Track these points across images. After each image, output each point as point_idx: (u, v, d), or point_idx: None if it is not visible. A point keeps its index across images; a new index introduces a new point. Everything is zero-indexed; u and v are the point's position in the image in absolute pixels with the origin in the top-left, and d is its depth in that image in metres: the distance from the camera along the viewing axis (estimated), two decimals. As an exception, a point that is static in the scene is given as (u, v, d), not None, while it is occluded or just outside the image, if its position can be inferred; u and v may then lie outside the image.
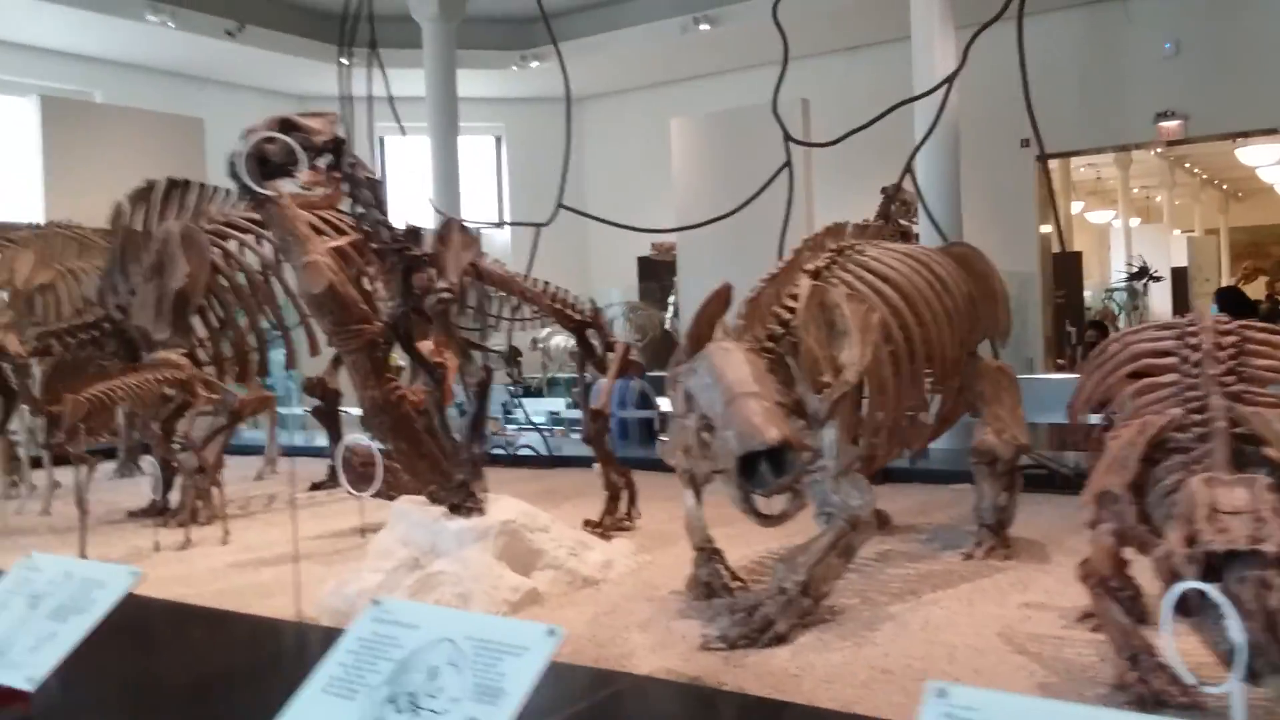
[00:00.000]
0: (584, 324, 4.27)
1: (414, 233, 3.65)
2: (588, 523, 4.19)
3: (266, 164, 3.32)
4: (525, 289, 4.08)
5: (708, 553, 3.52)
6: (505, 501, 3.69)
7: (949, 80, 5.71)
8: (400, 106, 20.34)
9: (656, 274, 19.00)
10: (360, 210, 3.55)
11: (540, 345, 15.98)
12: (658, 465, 6.84)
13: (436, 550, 3.51)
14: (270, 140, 3.29)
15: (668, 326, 17.24)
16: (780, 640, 2.90)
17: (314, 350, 6.04)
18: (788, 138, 6.12)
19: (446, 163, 14.62)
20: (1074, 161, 19.59)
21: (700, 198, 12.50)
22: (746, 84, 18.14)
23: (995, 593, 3.41)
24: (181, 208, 5.60)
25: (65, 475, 6.45)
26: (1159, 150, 20.79)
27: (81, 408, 4.27)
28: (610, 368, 4.25)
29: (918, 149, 5.98)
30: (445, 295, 3.52)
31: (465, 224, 3.65)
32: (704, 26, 16.64)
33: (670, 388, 3.45)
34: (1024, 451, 3.90)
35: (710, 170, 13.12)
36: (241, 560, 4.44)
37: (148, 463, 4.91)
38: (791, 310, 3.28)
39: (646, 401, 8.78)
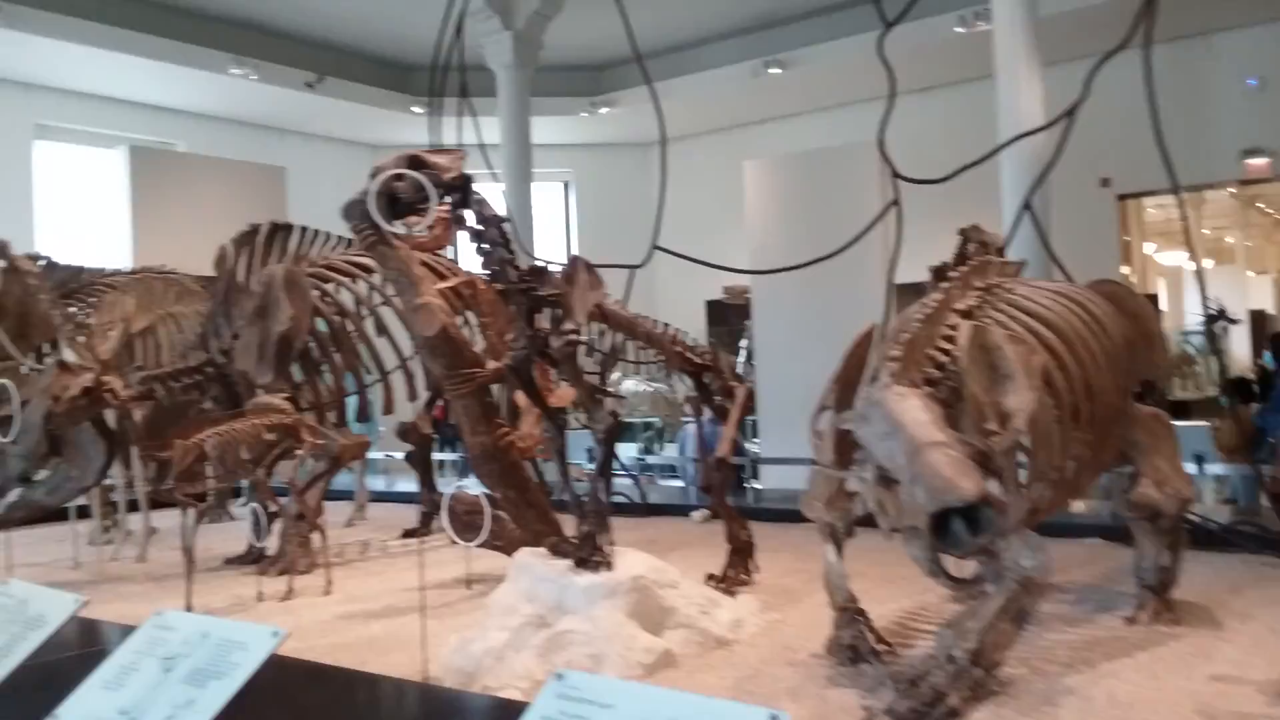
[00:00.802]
0: (703, 367, 4.09)
1: (538, 272, 3.52)
2: (710, 577, 3.97)
3: (395, 202, 3.21)
4: (650, 331, 3.91)
5: (851, 613, 3.28)
6: (632, 555, 3.50)
7: (1070, 112, 5.44)
8: (472, 153, 20.56)
9: (726, 318, 18.83)
10: (486, 248, 3.43)
11: (612, 389, 15.88)
12: (753, 514, 6.64)
13: (563, 607, 3.32)
14: (399, 178, 3.18)
15: (739, 370, 17.01)
16: (954, 716, 2.64)
17: (412, 395, 5.95)
18: (895, 174, 5.88)
19: (520, 208, 14.65)
20: (1144, 201, 19.08)
21: (775, 239, 12.32)
22: (816, 126, 18.08)
23: (1177, 663, 3.11)
24: (283, 251, 5.57)
25: (160, 521, 6.43)
26: (1232, 190, 20.17)
27: (191, 452, 4.20)
28: (732, 412, 4.06)
29: (1037, 184, 5.72)
30: (573, 337, 3.37)
31: (591, 264, 3.50)
32: (775, 70, 16.61)
33: (813, 436, 3.25)
34: (1188, 505, 3.60)
35: (786, 212, 12.95)
36: (350, 612, 4.30)
37: (248, 509, 4.81)
38: (946, 352, 3.05)
39: (738, 448, 8.53)
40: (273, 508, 5.53)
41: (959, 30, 14.60)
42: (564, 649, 3.18)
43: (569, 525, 4.92)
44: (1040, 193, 11.36)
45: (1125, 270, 17.30)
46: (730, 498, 4.31)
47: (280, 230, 5.56)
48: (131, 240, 12.43)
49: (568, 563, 3.46)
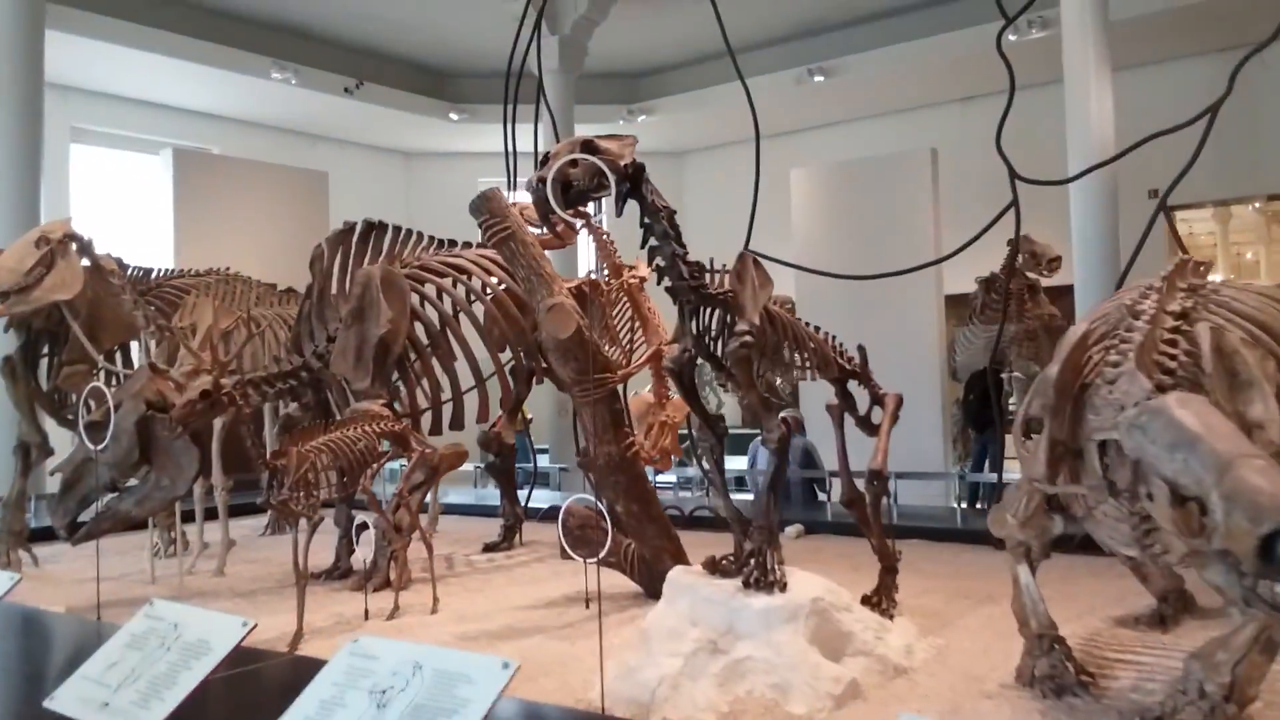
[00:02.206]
0: (851, 373, 3.83)
1: (702, 268, 3.27)
2: (865, 600, 3.70)
3: (567, 190, 2.97)
4: (810, 334, 3.66)
5: (1049, 640, 3.01)
6: (803, 575, 3.23)
7: (1213, 110, 5.21)
8: (500, 161, 20.44)
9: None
10: (654, 243, 3.18)
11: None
12: (832, 529, 6.36)
13: (736, 632, 3.06)
14: (574, 164, 2.94)
15: (780, 383, 16.72)
16: (1214, 758, 2.37)
17: (506, 403, 5.70)
18: (1014, 175, 5.66)
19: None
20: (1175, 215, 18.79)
21: (822, 246, 12.08)
22: (860, 134, 17.84)
23: None
24: (377, 251, 5.34)
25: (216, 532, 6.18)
26: (1256, 205, 19.90)
27: (305, 461, 3.95)
28: (884, 422, 3.79)
29: (1174, 185, 5.45)
30: (748, 339, 3.12)
31: (759, 260, 3.25)
32: (819, 78, 16.39)
33: (1019, 448, 2.99)
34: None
35: (833, 219, 12.77)
36: (467, 633, 4.03)
37: (356, 522, 4.57)
38: (1173, 357, 2.79)
39: (810, 460, 8.27)
40: (360, 519, 5.29)
41: (1011, 38, 14.38)
42: (744, 678, 2.92)
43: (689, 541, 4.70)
44: (1109, 201, 11.12)
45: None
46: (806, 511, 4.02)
47: (374, 229, 5.32)
48: (173, 244, 12.25)
49: (733, 583, 3.19)
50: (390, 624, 4.26)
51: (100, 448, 4.32)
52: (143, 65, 14.04)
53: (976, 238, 6.33)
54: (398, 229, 5.47)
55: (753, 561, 3.17)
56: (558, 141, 9.32)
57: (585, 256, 15.82)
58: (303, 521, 3.98)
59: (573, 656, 3.61)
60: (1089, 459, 2.81)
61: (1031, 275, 10.78)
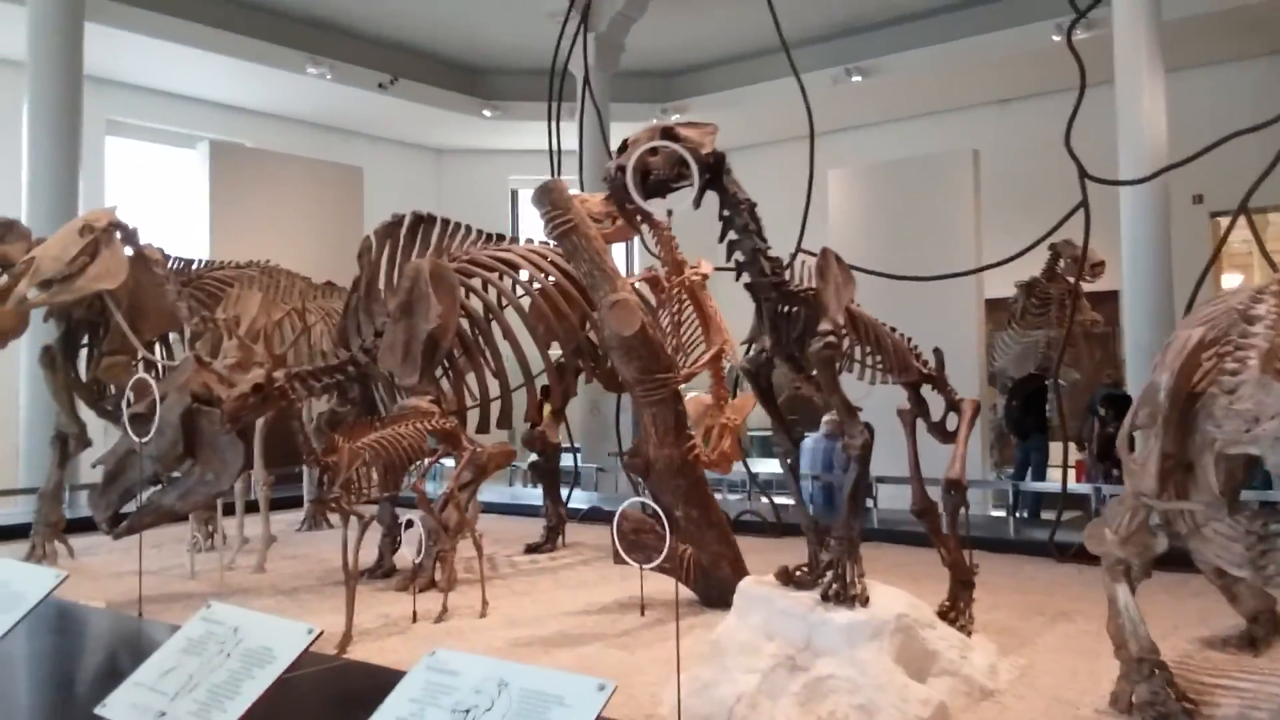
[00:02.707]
0: (927, 378, 3.66)
1: (782, 264, 3.10)
2: (942, 615, 3.53)
3: (645, 179, 2.81)
4: (891, 336, 3.49)
5: (1150, 665, 2.83)
6: (883, 589, 3.07)
7: (1299, 109, 4.99)
8: (531, 159, 20.28)
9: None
10: (734, 236, 3.02)
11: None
12: (881, 536, 6.16)
13: (815, 648, 2.89)
14: (654, 152, 2.79)
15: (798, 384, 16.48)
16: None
17: (555, 402, 5.55)
18: (1084, 174, 5.46)
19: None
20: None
21: (859, 247, 11.85)
22: (897, 135, 17.60)
23: None
24: (425, 244, 5.21)
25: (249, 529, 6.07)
26: None
27: (358, 458, 3.82)
28: (961, 428, 3.62)
29: (1254, 187, 5.24)
30: (832, 339, 2.95)
31: (840, 258, 3.08)
32: (856, 78, 16.18)
33: (1127, 461, 2.81)
34: None
35: (872, 220, 12.59)
36: (521, 639, 3.89)
37: (406, 520, 4.42)
38: (1296, 365, 2.61)
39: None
40: (406, 517, 5.17)
41: (1055, 39, 14.14)
42: (826, 697, 2.76)
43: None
44: (1160, 206, 10.85)
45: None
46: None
47: (423, 221, 5.20)
48: (209, 237, 12.20)
49: (811, 595, 3.03)
50: (439, 627, 4.13)
51: (144, 440, 4.20)
52: (178, 58, 14.02)
53: (1046, 236, 6.17)
54: (445, 222, 5.35)
55: (832, 573, 3.00)
56: (605, 141, 9.10)
57: (632, 252, 15.70)
58: (353, 520, 3.85)
59: (634, 667, 3.46)
60: (1203, 473, 2.64)
61: (1071, 280, 10.59)
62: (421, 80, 17.07)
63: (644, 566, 4.07)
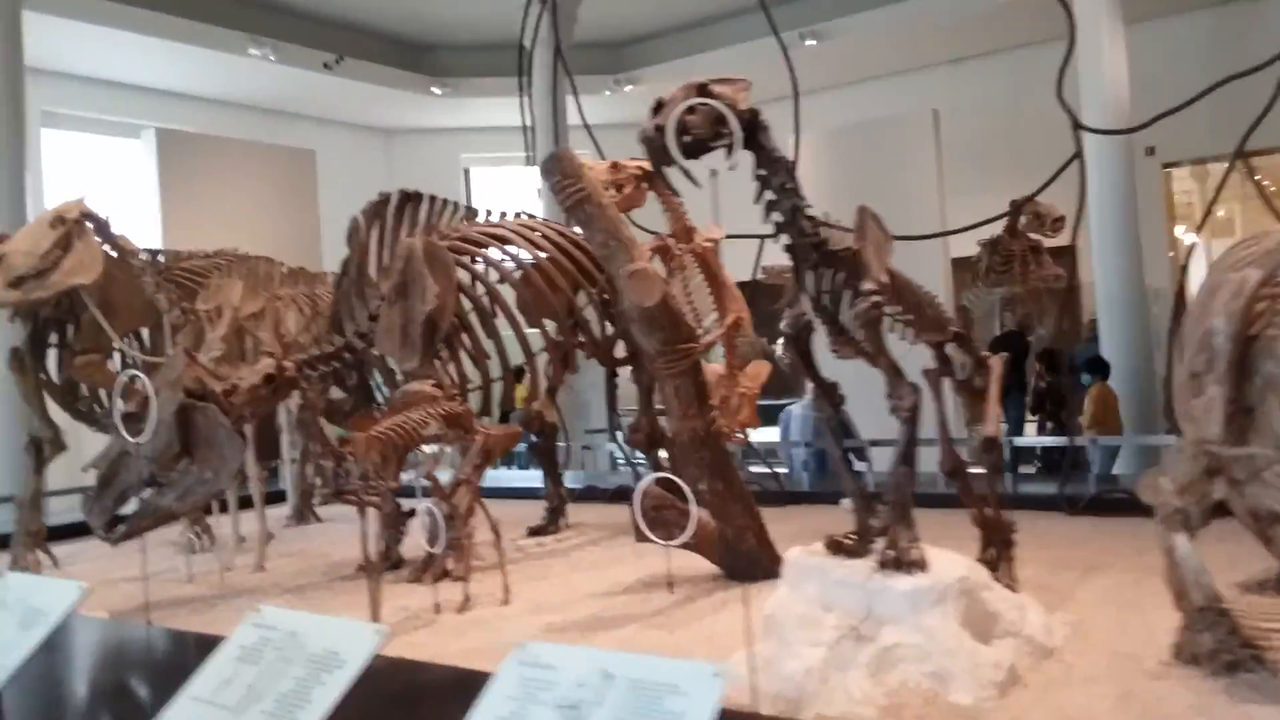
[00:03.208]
0: (956, 335, 3.60)
1: (820, 224, 3.00)
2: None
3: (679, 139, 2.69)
4: (925, 295, 3.42)
5: (1213, 614, 2.81)
6: (938, 552, 3.01)
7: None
8: (483, 136, 19.87)
9: (756, 301, 18.37)
10: (771, 196, 2.92)
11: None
12: (878, 499, 6.17)
13: (878, 616, 2.83)
14: (689, 111, 2.66)
15: (781, 355, 16.46)
16: None
17: (559, 380, 5.40)
18: (1077, 125, 5.44)
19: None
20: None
21: (833, 211, 11.89)
22: (853, 98, 17.58)
23: None
24: (413, 223, 5.03)
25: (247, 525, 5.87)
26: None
27: (375, 446, 3.67)
28: (991, 387, 3.57)
29: (1251, 130, 5.25)
30: (877, 298, 2.87)
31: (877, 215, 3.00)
32: (810, 42, 16.10)
33: (1184, 406, 2.78)
34: None
35: (841, 183, 12.60)
36: (554, 624, 3.78)
37: (422, 509, 4.26)
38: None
39: (846, 431, 8.04)
40: (408, 506, 5.03)
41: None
42: (895, 666, 2.70)
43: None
44: (1124, 159, 10.95)
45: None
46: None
47: (410, 199, 5.01)
48: (160, 227, 11.79)
49: (866, 564, 2.96)
50: (465, 618, 4.01)
51: (139, 440, 4.00)
52: (114, 43, 13.46)
53: (1044, 187, 6.18)
54: (433, 199, 5.17)
55: (886, 540, 2.94)
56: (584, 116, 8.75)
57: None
58: (370, 512, 3.70)
59: (676, 647, 3.38)
60: (1265, 417, 2.61)
61: (1035, 236, 10.67)
62: (368, 59, 16.63)
63: (669, 544, 3.99)
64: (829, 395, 3.18)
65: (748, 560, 4.20)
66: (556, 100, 15.63)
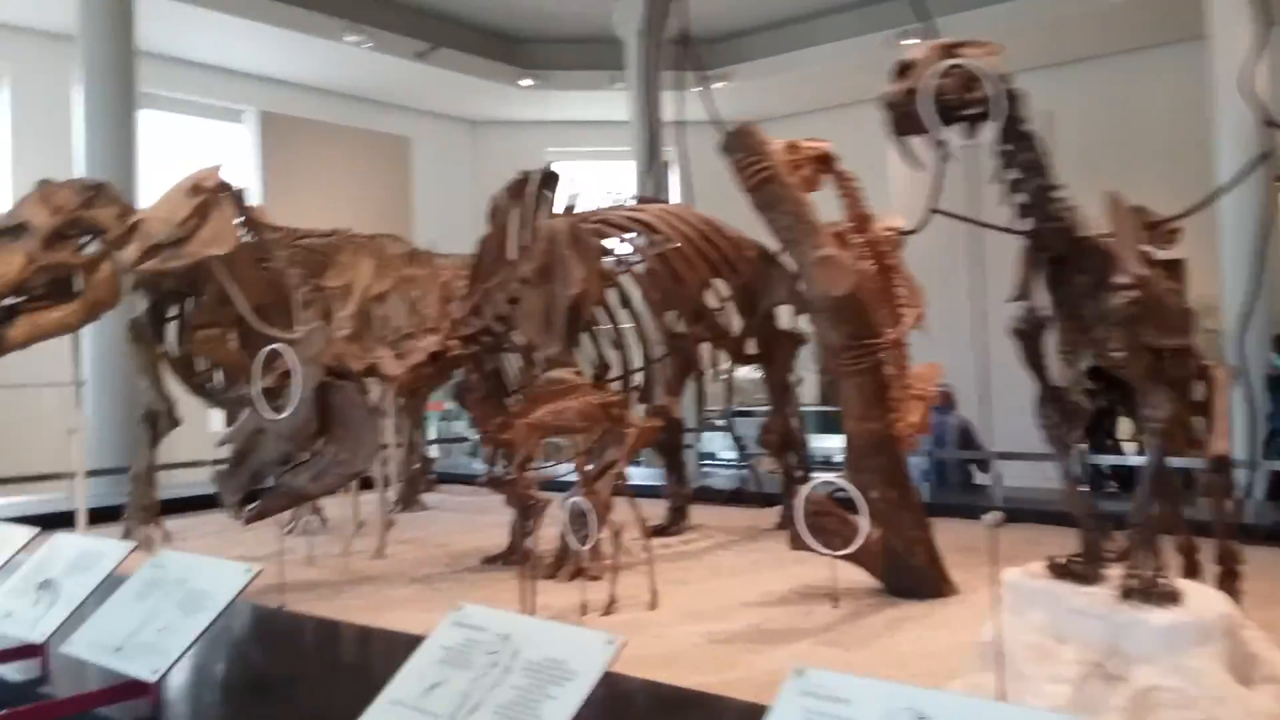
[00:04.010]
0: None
1: (1071, 208, 2.68)
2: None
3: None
4: (1169, 292, 3.08)
5: None
6: (1189, 584, 2.67)
7: None
8: (569, 130, 19.69)
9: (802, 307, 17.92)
10: (1015, 175, 2.61)
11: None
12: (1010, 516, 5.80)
13: (1125, 654, 2.50)
14: (941, 74, 2.37)
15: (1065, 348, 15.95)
16: None
17: (686, 374, 5.14)
18: (1268, 121, 5.00)
19: (653, 188, 13.83)
20: None
21: (922, 210, 11.47)
22: (957, 101, 17.07)
23: None
24: (550, 204, 4.80)
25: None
26: None
27: (535, 434, 3.44)
28: (1217, 399, 3.20)
29: None
30: (1135, 294, 2.55)
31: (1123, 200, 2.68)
32: (912, 41, 15.63)
33: None
34: None
35: (947, 186, 12.15)
36: (715, 634, 3.51)
37: (569, 503, 4.02)
38: None
39: (969, 439, 7.66)
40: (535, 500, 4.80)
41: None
42: (1156, 712, 2.37)
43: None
44: (1256, 175, 10.37)
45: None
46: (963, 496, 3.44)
47: (550, 179, 4.78)
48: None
49: (1106, 592, 2.64)
50: (615, 620, 3.75)
51: (283, 416, 3.83)
52: (211, 25, 13.54)
53: (1231, 185, 5.73)
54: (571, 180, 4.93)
55: (1129, 566, 2.61)
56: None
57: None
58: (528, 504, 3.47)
59: (859, 668, 3.06)
60: None
61: (1144, 248, 10.08)
62: (459, 49, 16.59)
63: (834, 554, 3.69)
64: (1058, 400, 2.86)
65: (915, 576, 3.89)
66: (646, 93, 15.44)
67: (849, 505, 3.99)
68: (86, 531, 5.34)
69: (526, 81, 17.54)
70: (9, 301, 4.78)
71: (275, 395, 4.01)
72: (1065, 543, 5.13)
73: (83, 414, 5.34)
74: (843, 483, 3.73)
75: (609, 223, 4.86)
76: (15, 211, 4.79)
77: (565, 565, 4.41)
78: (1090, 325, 2.69)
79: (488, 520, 6.31)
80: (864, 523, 3.71)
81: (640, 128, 15.52)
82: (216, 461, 8.54)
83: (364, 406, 4.06)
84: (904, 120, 2.44)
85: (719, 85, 18.32)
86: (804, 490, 3.82)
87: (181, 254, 4.65)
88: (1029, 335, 2.75)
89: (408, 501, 6.72)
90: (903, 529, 3.81)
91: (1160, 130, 14.11)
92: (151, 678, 2.36)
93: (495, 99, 18.15)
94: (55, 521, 4.91)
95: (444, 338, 3.64)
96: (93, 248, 5.10)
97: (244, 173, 12.13)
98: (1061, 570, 2.79)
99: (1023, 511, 5.86)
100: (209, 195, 4.73)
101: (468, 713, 1.90)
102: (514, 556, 4.81)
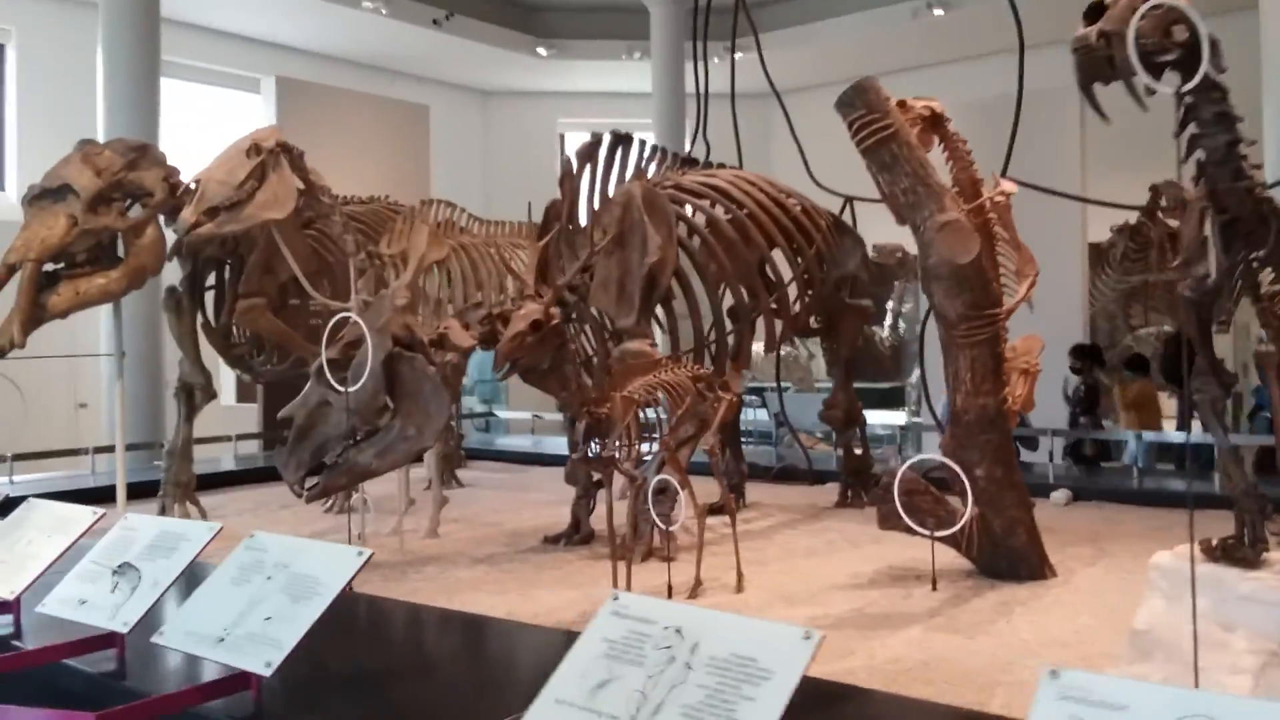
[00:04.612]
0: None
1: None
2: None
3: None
4: None
5: None
6: (1361, 568, 2.49)
7: None
8: (581, 102, 19.37)
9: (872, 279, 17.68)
10: (1197, 129, 2.41)
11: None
12: (1102, 495, 5.64)
13: (1304, 641, 2.33)
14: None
15: (886, 336, 15.78)
16: None
17: (749, 346, 4.92)
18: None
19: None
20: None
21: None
22: (982, 73, 16.73)
23: None
24: (623, 168, 4.58)
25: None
26: None
27: (630, 408, 3.24)
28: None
29: None
30: (1323, 261, 2.35)
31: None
32: (938, 11, 15.34)
33: None
34: None
35: (977, 159, 12.01)
36: (816, 618, 3.33)
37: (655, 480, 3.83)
38: None
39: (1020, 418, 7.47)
40: (597, 476, 4.62)
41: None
42: (1348, 704, 2.19)
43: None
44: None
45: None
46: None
47: (621, 141, 4.56)
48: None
49: (1275, 576, 2.46)
50: (704, 604, 3.57)
51: (354, 389, 3.63)
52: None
53: None
54: (642, 143, 4.72)
55: (1304, 550, 2.43)
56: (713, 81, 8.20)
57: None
58: (618, 479, 3.28)
59: (992, 658, 2.91)
60: None
61: (1174, 223, 9.92)
62: (476, 16, 16.26)
63: (934, 535, 3.52)
64: (1218, 374, 2.66)
65: (1014, 557, 3.72)
66: (673, 59, 15.16)
67: (937, 483, 3.83)
68: (126, 508, 5.15)
69: (543, 50, 17.23)
70: (50, 268, 4.56)
71: (337, 367, 3.81)
72: (1146, 521, 4.99)
73: (121, 386, 5.11)
74: (945, 460, 3.55)
75: (682, 188, 4.64)
76: (57, 172, 4.55)
77: (637, 545, 4.23)
78: (1266, 294, 2.49)
79: (530, 498, 6.15)
80: (967, 502, 3.54)
81: (663, 98, 15.28)
82: (241, 436, 8.38)
83: (434, 379, 3.86)
84: (1094, 66, 2.22)
85: (740, 55, 18.07)
86: (900, 469, 3.65)
87: (239, 218, 4.43)
88: (1199, 304, 2.54)
89: (443, 478, 6.53)
90: (1005, 508, 3.63)
91: (1165, 114, 13.86)
92: (265, 671, 2.18)
93: (507, 69, 17.82)
94: (77, 499, 4.68)
95: (546, 305, 3.42)
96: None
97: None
98: (1220, 553, 2.61)
99: (1085, 490, 5.73)
100: (267, 156, 4.50)
101: (650, 714, 1.72)
102: (577, 536, 4.64)
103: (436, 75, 17.72)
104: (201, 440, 7.36)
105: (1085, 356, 9.09)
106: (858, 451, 5.50)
